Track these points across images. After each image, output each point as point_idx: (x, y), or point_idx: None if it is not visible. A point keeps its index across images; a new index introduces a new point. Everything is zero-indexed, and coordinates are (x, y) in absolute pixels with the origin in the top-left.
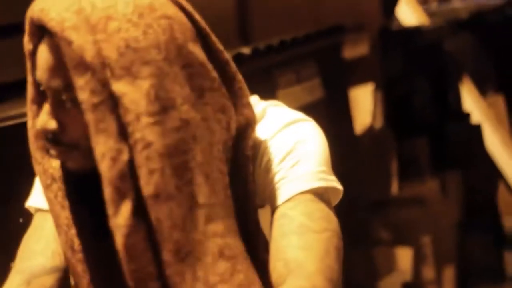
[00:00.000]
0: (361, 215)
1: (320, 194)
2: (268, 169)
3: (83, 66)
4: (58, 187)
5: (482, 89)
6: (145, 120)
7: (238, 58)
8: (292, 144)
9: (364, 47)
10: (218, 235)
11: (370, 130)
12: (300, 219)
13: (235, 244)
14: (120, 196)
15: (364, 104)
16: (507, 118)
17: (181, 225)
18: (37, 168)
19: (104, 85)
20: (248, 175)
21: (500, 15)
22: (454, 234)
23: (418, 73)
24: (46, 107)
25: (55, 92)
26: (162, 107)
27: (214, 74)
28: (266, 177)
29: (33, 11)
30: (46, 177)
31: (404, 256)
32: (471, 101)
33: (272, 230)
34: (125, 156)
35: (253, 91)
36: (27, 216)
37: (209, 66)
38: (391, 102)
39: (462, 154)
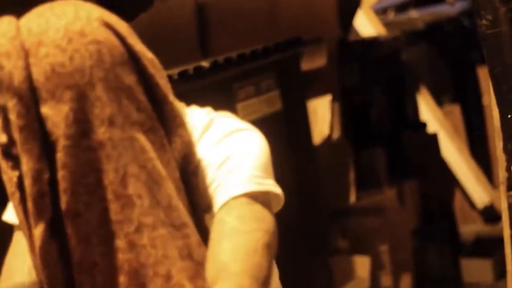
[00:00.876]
0: (320, 224)
1: (255, 197)
2: (206, 176)
3: (12, 90)
4: (18, 195)
5: (439, 98)
6: (62, 142)
7: (198, 71)
8: (229, 152)
9: (321, 59)
10: (120, 250)
11: (328, 141)
12: (233, 223)
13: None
14: (38, 211)
15: (322, 115)
16: (463, 127)
17: (86, 240)
18: (3, 177)
19: (30, 108)
20: (193, 188)
21: (456, 25)
22: (411, 242)
23: (375, 83)
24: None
25: (2, 110)
26: (79, 129)
27: (142, 97)
28: (206, 184)
29: None
30: (10, 186)
31: (362, 264)
32: (428, 111)
33: (210, 236)
34: (45, 176)
35: (213, 104)
36: None
37: (138, 88)
38: (349, 113)
39: (418, 163)
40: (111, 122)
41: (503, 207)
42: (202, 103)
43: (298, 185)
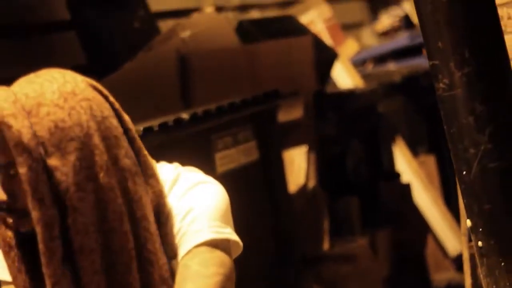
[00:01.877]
0: (294, 270)
1: (215, 244)
2: (173, 227)
3: (21, 146)
4: (14, 253)
5: (414, 149)
6: (73, 189)
7: (178, 123)
8: (192, 204)
9: (298, 110)
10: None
11: (303, 189)
12: (196, 267)
13: None
14: (50, 253)
15: (298, 164)
16: (438, 177)
17: (101, 271)
18: None
19: (39, 161)
20: (163, 236)
21: (431, 79)
22: None
23: (352, 133)
24: None
25: (2, 168)
26: (86, 176)
27: (127, 146)
28: (173, 233)
29: None
30: (4, 245)
31: None
32: (403, 161)
33: (175, 279)
34: (56, 221)
35: (191, 153)
36: None
37: (123, 137)
38: (325, 162)
39: (392, 212)
40: (107, 168)
41: (465, 257)
42: (181, 153)
43: (273, 232)
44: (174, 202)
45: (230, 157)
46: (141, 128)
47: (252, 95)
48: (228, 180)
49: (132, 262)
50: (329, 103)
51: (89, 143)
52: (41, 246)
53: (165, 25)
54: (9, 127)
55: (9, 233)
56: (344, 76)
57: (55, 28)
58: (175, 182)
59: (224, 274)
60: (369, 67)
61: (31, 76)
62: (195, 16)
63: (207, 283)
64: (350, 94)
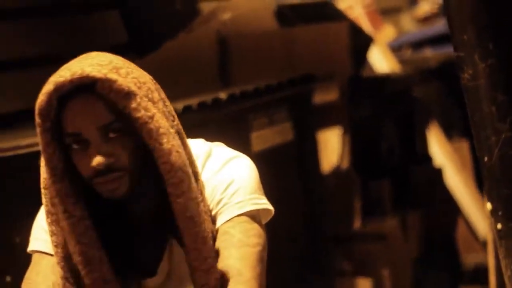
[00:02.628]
0: (325, 247)
1: (254, 215)
2: (214, 196)
3: (131, 94)
4: (85, 226)
5: (448, 134)
6: (172, 129)
7: (216, 102)
8: (231, 178)
9: (333, 94)
10: None
11: (336, 170)
12: (239, 236)
13: None
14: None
15: (332, 146)
16: (471, 162)
17: None
18: (65, 215)
19: (145, 106)
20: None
21: None
22: (412, 269)
23: (386, 117)
24: (91, 151)
25: (103, 129)
26: (170, 125)
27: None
28: (212, 202)
29: (64, 77)
30: (74, 220)
31: (364, 287)
32: (437, 145)
33: (217, 243)
34: (181, 149)
35: (228, 133)
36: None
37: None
38: (359, 145)
39: (424, 195)
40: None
41: (489, 239)
42: (218, 131)
43: (306, 210)
44: (210, 175)
45: (266, 137)
46: (181, 107)
47: (288, 77)
48: (263, 159)
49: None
50: (364, 87)
51: (161, 94)
52: (179, 173)
53: (206, 6)
54: (115, 81)
55: (81, 212)
56: (381, 61)
57: (98, 7)
58: (208, 157)
59: (262, 245)
60: (407, 53)
61: (87, 54)
62: None
63: (250, 251)
64: (385, 79)
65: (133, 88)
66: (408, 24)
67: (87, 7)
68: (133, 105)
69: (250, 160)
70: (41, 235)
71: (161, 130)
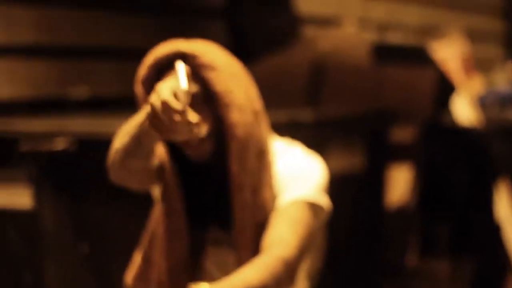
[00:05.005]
0: (377, 280)
1: (312, 206)
2: (286, 176)
3: (214, 67)
4: (174, 182)
5: None
6: (247, 107)
7: (296, 124)
8: (303, 169)
9: (410, 134)
10: None
11: (400, 206)
12: (295, 215)
13: None
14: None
15: (399, 182)
16: None
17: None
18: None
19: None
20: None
21: None
22: None
23: (458, 165)
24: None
25: (191, 97)
26: (250, 99)
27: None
28: (283, 180)
29: (161, 52)
30: (170, 176)
31: None
32: (502, 201)
33: (275, 213)
34: (248, 125)
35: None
36: None
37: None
38: (427, 186)
39: (481, 244)
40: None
41: None
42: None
43: (363, 239)
44: (285, 162)
45: (340, 163)
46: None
47: (369, 110)
48: (333, 182)
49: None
50: (442, 133)
51: (247, 79)
52: (241, 143)
53: (308, 31)
54: (201, 56)
55: (173, 180)
56: (464, 111)
57: (206, 14)
58: (288, 150)
59: (309, 231)
60: (492, 108)
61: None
62: (336, 30)
63: (302, 229)
64: (465, 129)
65: (219, 64)
66: (501, 79)
67: (197, 14)
68: (215, 78)
69: (321, 162)
70: None
71: (233, 105)
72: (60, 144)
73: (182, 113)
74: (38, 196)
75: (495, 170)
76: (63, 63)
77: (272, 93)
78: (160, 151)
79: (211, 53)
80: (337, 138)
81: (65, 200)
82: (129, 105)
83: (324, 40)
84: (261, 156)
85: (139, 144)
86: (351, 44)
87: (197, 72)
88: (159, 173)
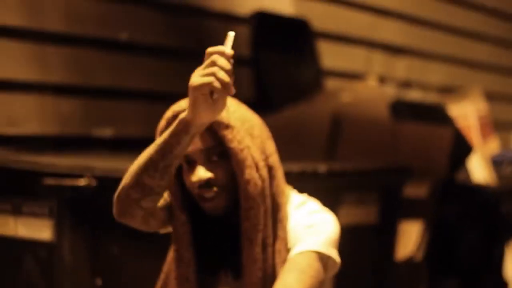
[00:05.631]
0: None
1: (322, 258)
2: (298, 229)
3: (229, 126)
4: (185, 230)
5: None
6: (261, 163)
7: (314, 173)
8: (317, 222)
9: (424, 190)
10: None
11: (409, 261)
12: (305, 267)
13: None
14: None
15: (410, 237)
16: None
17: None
18: (173, 218)
19: (240, 139)
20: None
21: None
22: None
23: (469, 223)
24: (198, 168)
25: (207, 152)
26: (264, 155)
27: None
28: (295, 234)
29: (181, 107)
30: (178, 223)
31: None
32: None
33: (286, 263)
34: (260, 182)
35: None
36: None
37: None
38: (437, 242)
39: None
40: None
41: None
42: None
43: None
44: (299, 217)
45: (351, 214)
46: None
47: (384, 165)
48: (344, 233)
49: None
50: (455, 191)
51: (263, 134)
52: (254, 202)
53: (330, 84)
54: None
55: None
56: (479, 170)
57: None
58: (302, 204)
59: (317, 282)
60: (506, 168)
61: None
62: (358, 84)
63: (308, 280)
64: (478, 188)
65: (233, 122)
66: None
67: None
68: (229, 136)
69: (335, 218)
70: None
71: (247, 162)
72: (81, 181)
73: (230, 72)
74: (58, 229)
75: (506, 229)
76: (90, 102)
77: (293, 143)
78: (172, 198)
79: (231, 110)
80: (350, 190)
81: (83, 235)
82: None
83: (345, 92)
84: (274, 211)
85: (151, 177)
86: (371, 97)
87: (213, 129)
88: (169, 219)
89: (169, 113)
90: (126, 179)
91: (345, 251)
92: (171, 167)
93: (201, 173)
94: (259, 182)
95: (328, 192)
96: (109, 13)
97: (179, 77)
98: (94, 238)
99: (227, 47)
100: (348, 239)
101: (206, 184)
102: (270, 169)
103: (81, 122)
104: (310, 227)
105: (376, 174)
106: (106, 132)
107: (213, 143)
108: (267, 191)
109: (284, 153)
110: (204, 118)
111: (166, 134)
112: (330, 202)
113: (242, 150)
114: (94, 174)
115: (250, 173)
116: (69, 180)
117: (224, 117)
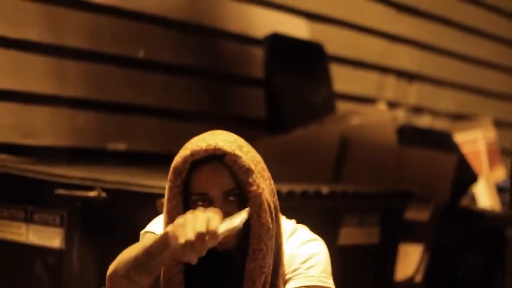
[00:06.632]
0: None
1: None
2: (292, 264)
3: (250, 170)
4: (178, 269)
5: None
6: (272, 206)
7: (317, 194)
8: (310, 254)
9: (426, 214)
10: None
11: (409, 282)
12: None
13: None
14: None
15: (410, 259)
16: None
17: None
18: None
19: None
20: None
21: None
22: None
23: (471, 248)
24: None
25: (226, 193)
26: (272, 196)
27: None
28: (289, 268)
29: (200, 147)
30: (172, 262)
31: None
32: None
33: None
34: (271, 226)
35: (322, 222)
36: None
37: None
38: (437, 266)
39: None
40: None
41: None
42: (314, 218)
43: None
44: (292, 247)
45: (353, 235)
46: (286, 190)
47: (386, 189)
48: (345, 253)
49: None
50: (458, 216)
51: (269, 175)
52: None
53: (341, 106)
54: (239, 157)
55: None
56: (484, 196)
57: (246, 82)
58: (293, 233)
59: None
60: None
61: (214, 131)
62: (368, 108)
63: None
64: (481, 213)
65: (252, 166)
66: None
67: (237, 80)
68: (250, 180)
69: (324, 244)
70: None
71: (264, 206)
72: (92, 192)
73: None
74: (68, 237)
75: (508, 254)
76: (105, 117)
77: (302, 163)
78: None
79: (245, 151)
80: (351, 212)
81: (92, 244)
82: (163, 162)
83: (354, 115)
84: (276, 251)
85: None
86: (379, 121)
87: (233, 172)
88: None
89: (186, 152)
90: (117, 266)
91: (345, 269)
92: (158, 269)
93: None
94: (271, 226)
95: (330, 213)
96: (127, 31)
97: (192, 95)
98: (102, 248)
99: (236, 221)
100: (349, 258)
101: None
102: (275, 209)
103: (96, 135)
104: (304, 262)
105: (377, 197)
106: (120, 146)
107: (233, 185)
108: (273, 232)
109: (292, 172)
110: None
111: (151, 243)
112: (332, 222)
113: (260, 194)
114: (104, 187)
115: (265, 217)
116: (80, 191)
117: (243, 160)
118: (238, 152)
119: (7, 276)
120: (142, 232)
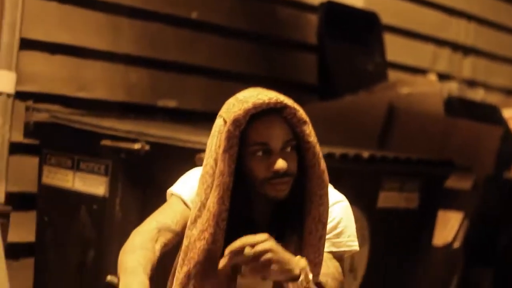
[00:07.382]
0: None
1: (344, 254)
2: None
3: (307, 122)
4: (224, 217)
5: None
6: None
7: (357, 157)
8: (338, 220)
9: (467, 183)
10: None
11: (446, 247)
12: (332, 269)
13: None
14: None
15: (449, 226)
16: None
17: None
18: (219, 201)
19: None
20: None
21: None
22: None
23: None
24: (273, 158)
25: (286, 144)
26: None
27: None
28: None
29: (262, 100)
30: (223, 208)
31: None
32: None
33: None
34: None
35: (362, 184)
36: None
37: None
38: (476, 233)
39: None
40: None
41: None
42: (355, 180)
43: (406, 276)
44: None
45: (392, 198)
46: (326, 152)
47: (429, 157)
48: (383, 216)
49: None
50: (500, 186)
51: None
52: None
53: (392, 75)
54: (297, 110)
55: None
56: None
57: (299, 47)
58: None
59: (342, 282)
60: None
61: (258, 88)
62: (417, 78)
63: (337, 284)
64: None
65: (307, 118)
66: None
67: (289, 46)
68: (307, 131)
69: (349, 204)
70: (189, 189)
71: (320, 155)
72: (136, 145)
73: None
74: (112, 186)
75: None
76: (157, 74)
77: (350, 129)
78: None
79: (295, 104)
80: (393, 176)
81: (134, 194)
82: (210, 120)
83: (403, 85)
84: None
85: None
86: (428, 91)
87: (293, 125)
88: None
89: (247, 105)
90: (120, 260)
91: (383, 232)
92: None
93: (282, 163)
94: (327, 172)
95: (370, 175)
96: None
97: (244, 58)
98: (143, 198)
99: None
100: (387, 221)
101: (283, 173)
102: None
103: (147, 91)
104: (336, 224)
105: (418, 163)
106: (170, 103)
107: (290, 136)
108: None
109: (340, 138)
110: None
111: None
112: (372, 186)
113: (317, 143)
114: (148, 140)
115: (323, 166)
116: (125, 143)
117: (301, 113)
118: (296, 106)
119: (54, 220)
120: (169, 191)
